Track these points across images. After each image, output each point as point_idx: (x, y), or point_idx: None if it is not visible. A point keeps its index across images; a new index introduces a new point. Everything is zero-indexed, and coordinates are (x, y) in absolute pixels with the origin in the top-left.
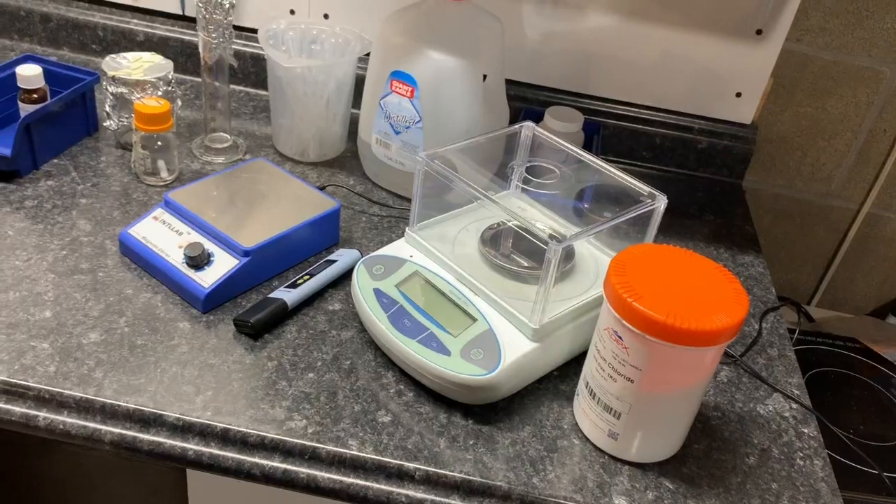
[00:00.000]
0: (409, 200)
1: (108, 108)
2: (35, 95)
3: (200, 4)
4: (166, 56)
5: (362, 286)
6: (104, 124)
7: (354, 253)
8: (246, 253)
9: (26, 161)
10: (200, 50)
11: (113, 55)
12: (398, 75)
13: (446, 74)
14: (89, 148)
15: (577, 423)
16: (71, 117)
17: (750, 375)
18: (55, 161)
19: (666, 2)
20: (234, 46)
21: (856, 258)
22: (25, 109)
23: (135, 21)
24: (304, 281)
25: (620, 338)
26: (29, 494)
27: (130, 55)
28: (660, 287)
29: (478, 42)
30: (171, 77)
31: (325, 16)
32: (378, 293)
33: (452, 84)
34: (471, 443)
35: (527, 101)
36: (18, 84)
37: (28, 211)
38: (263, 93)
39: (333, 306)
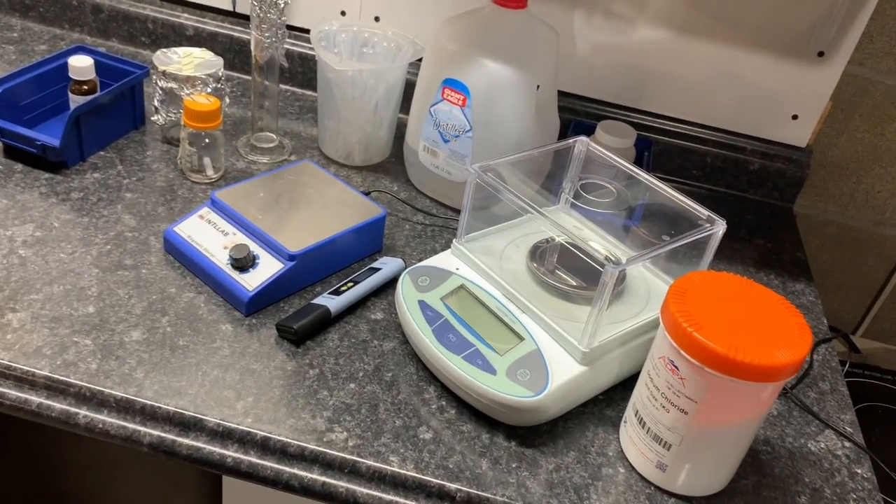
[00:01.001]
0: (453, 210)
1: (156, 103)
2: (85, 87)
3: (255, 3)
4: (214, 52)
5: (407, 297)
6: (152, 118)
7: (398, 262)
8: (291, 257)
9: (74, 152)
10: (252, 49)
11: (164, 49)
12: (451, 83)
13: (500, 84)
14: (136, 142)
15: (622, 451)
16: (119, 110)
17: (800, 409)
18: (102, 153)
19: (723, 18)
20: (284, 46)
21: None
22: (75, 101)
23: (185, 15)
24: (348, 288)
25: (676, 367)
26: (50, 480)
27: (181, 50)
28: (721, 317)
29: (532, 52)
30: (220, 74)
31: (376, 18)
32: (423, 305)
33: (506, 94)
34: (513, 465)
35: (576, 113)
36: (70, 75)
37: (74, 203)
38: (310, 93)
39: (376, 315)
